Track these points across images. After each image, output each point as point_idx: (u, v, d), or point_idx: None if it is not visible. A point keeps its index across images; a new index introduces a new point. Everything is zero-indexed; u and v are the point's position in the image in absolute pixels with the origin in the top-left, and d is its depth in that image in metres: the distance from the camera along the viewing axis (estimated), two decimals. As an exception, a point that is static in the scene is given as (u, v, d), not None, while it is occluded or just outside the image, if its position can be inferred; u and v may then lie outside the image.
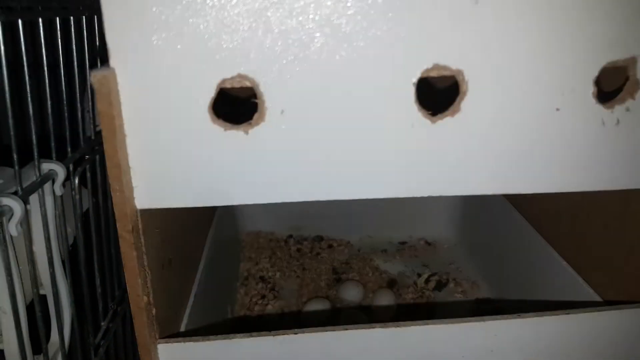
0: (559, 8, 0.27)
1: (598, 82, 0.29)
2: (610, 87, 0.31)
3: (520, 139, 0.29)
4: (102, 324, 0.48)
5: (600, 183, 0.31)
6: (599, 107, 0.29)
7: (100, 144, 0.45)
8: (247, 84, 0.27)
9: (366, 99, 0.28)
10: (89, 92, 0.45)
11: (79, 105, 0.43)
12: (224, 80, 0.27)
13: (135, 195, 0.29)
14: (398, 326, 0.33)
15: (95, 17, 0.44)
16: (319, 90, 0.28)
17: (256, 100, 0.28)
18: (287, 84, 0.27)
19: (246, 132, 0.28)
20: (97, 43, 0.45)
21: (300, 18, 0.26)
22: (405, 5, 0.26)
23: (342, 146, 0.29)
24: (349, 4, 0.26)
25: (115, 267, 0.51)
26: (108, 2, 0.25)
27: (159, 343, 0.32)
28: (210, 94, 0.27)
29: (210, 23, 0.26)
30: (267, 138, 0.28)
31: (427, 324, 0.33)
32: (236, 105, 0.29)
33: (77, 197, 0.41)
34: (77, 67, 0.41)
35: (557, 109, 0.29)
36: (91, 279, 0.45)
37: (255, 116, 0.28)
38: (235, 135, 0.28)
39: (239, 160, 0.28)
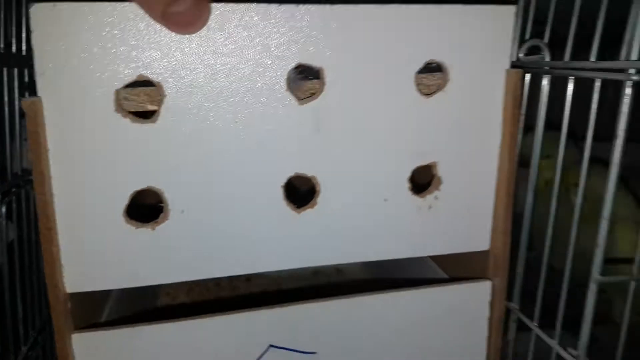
0: (377, 130, 0.39)
1: (413, 179, 0.41)
2: (426, 179, 0.43)
3: (361, 222, 0.41)
4: (23, 348, 0.53)
5: (418, 251, 0.43)
6: (415, 197, 0.41)
7: (26, 181, 0.52)
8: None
9: (247, 200, 0.38)
10: (18, 134, 0.51)
11: (7, 144, 0.49)
12: (135, 191, 0.36)
13: (55, 200, 0.35)
14: (271, 308, 0.40)
15: (26, 70, 0.51)
16: (211, 196, 0.38)
17: (162, 205, 0.37)
18: (186, 192, 0.37)
19: (153, 229, 0.37)
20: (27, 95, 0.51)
21: (194, 150, 0.36)
22: (269, 136, 0.37)
23: (230, 234, 0.39)
24: (225, 138, 0.37)
25: (37, 299, 0.56)
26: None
27: (73, 333, 0.37)
28: (124, 202, 0.36)
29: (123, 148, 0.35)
30: (170, 233, 0.38)
31: (287, 305, 0.40)
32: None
33: (4, 223, 0.46)
34: (8, 113, 0.48)
35: (385, 200, 0.41)
36: (14, 304, 0.50)
37: (161, 216, 0.37)
38: (144, 232, 0.37)
39: (148, 250, 0.37)
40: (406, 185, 0.41)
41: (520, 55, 0.49)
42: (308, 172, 0.39)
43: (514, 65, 0.42)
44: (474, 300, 0.45)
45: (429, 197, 0.42)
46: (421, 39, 0.38)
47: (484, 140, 0.42)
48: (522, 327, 0.54)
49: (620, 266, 0.71)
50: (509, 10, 0.39)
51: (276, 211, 0.39)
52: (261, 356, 0.40)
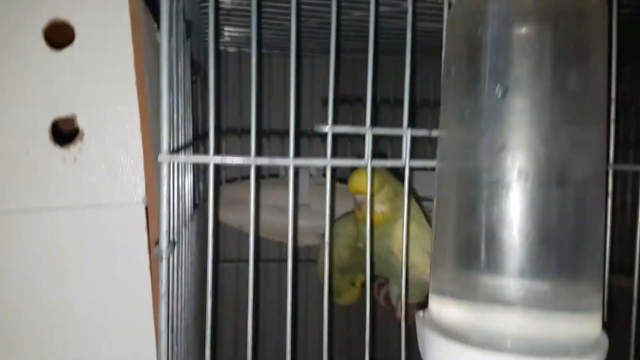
0: (6, 85, 0.42)
1: (55, 131, 0.43)
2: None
3: (2, 173, 0.42)
4: None
5: (67, 201, 0.42)
6: (58, 149, 0.43)
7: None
8: None
9: None
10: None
11: None
12: None
13: None
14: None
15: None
16: None
17: None
18: None
19: None
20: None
21: None
22: None
23: None
24: None
25: None
26: None
27: None
28: None
29: None
30: None
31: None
32: None
33: None
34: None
35: (28, 152, 0.43)
36: None
37: None
38: None
39: None
40: (47, 136, 0.43)
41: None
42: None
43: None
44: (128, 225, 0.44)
45: (74, 149, 0.43)
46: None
47: (121, 93, 0.43)
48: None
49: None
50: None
51: None
52: None
